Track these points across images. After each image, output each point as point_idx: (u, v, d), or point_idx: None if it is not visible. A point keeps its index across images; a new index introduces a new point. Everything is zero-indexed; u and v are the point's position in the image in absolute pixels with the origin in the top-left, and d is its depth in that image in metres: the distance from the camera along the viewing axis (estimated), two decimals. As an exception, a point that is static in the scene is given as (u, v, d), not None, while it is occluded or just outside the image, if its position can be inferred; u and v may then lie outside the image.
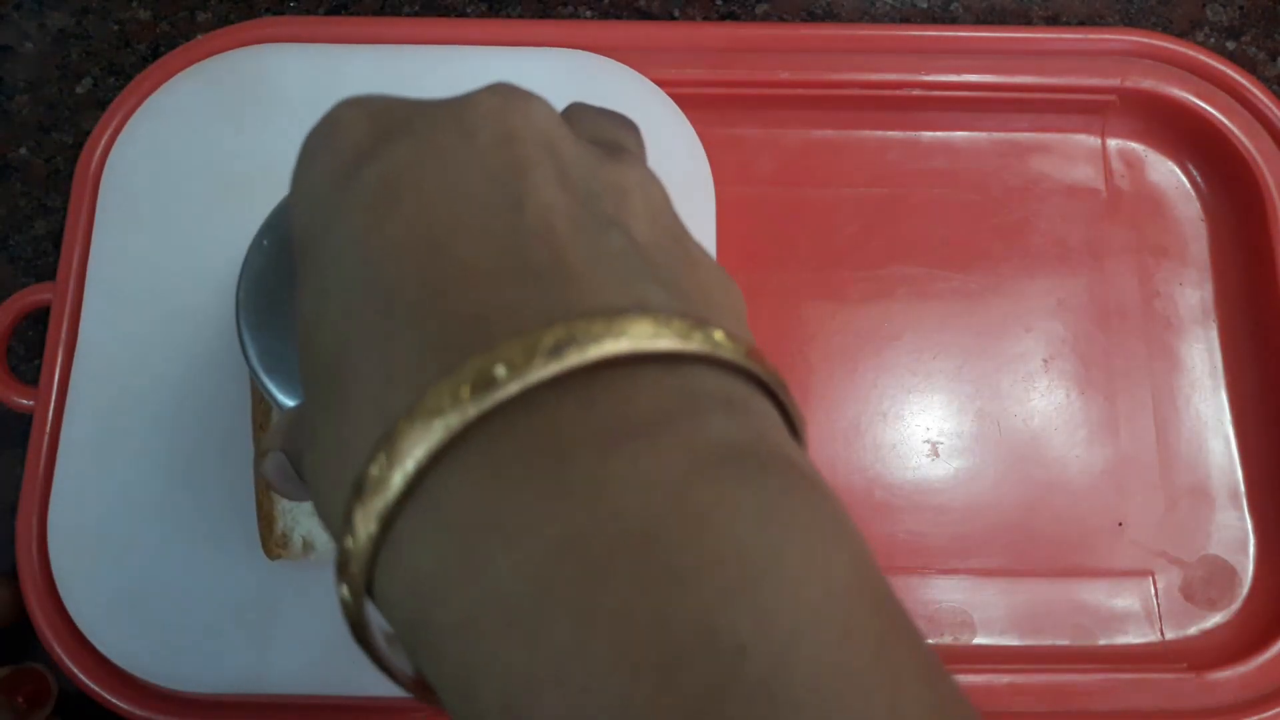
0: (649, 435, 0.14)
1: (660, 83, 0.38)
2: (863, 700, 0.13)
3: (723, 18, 0.43)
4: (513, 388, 0.14)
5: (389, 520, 0.15)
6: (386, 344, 0.16)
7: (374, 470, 0.14)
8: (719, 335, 0.16)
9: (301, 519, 0.32)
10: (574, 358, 0.14)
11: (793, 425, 0.17)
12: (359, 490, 0.15)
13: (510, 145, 0.17)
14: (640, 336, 0.15)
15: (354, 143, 0.18)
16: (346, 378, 0.16)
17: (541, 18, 0.42)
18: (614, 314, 0.15)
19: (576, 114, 0.22)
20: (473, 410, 0.14)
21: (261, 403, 0.32)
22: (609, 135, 0.21)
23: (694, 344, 0.15)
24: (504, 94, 0.18)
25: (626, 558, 0.13)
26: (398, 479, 0.14)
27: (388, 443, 0.14)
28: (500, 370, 0.14)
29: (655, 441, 0.14)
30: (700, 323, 0.16)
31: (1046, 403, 0.38)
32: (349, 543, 0.15)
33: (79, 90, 0.42)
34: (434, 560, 0.14)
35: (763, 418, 0.16)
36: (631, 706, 0.13)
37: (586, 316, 0.15)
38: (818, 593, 0.13)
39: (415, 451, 0.14)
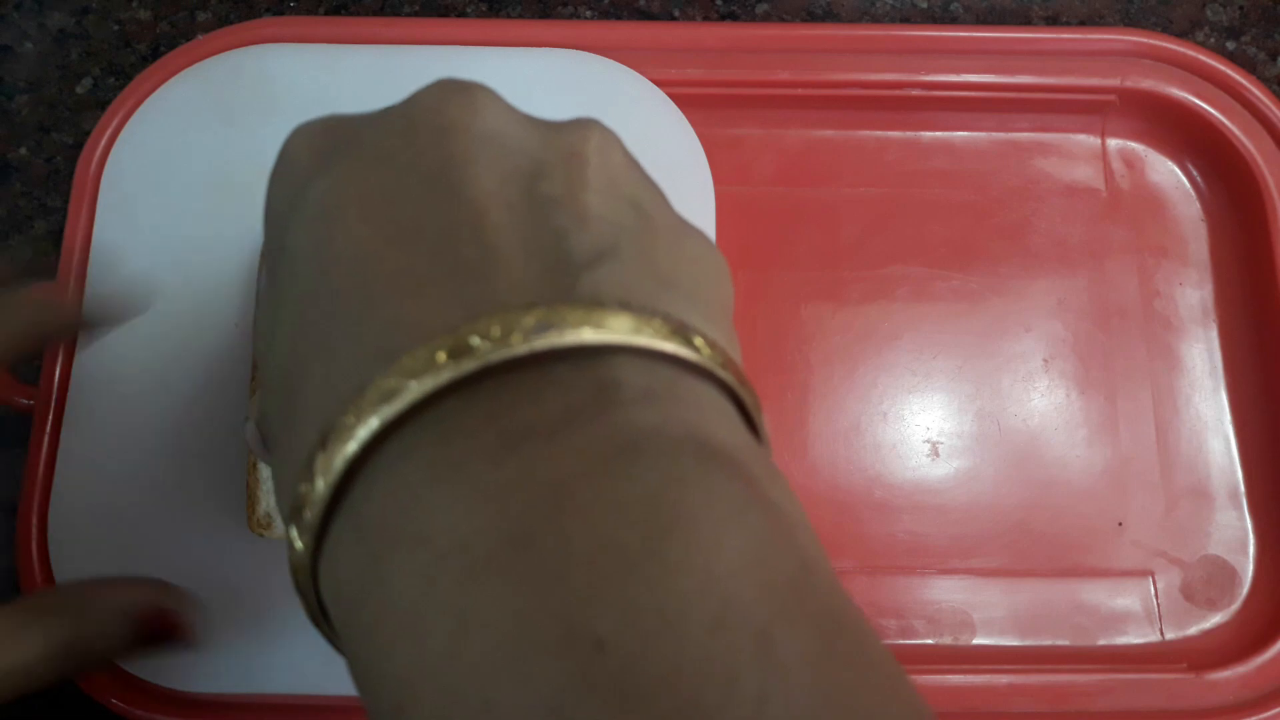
0: (546, 436, 0.14)
1: (660, 83, 0.38)
2: (722, 692, 0.12)
3: (723, 18, 0.43)
4: (409, 397, 0.14)
5: (321, 532, 0.15)
6: (329, 357, 0.16)
7: (303, 488, 0.15)
8: (626, 319, 0.15)
9: None
10: (471, 363, 0.14)
11: (742, 404, 0.17)
12: (296, 508, 0.15)
13: (448, 140, 0.17)
14: (551, 332, 0.15)
15: (303, 165, 0.18)
16: (297, 389, 0.16)
17: (541, 18, 0.42)
18: (521, 310, 0.15)
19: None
20: (376, 422, 0.14)
21: (261, 403, 0.33)
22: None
23: (609, 334, 0.15)
24: (444, 88, 0.18)
25: (503, 562, 0.13)
26: (322, 488, 0.15)
27: (322, 449, 0.15)
28: (395, 382, 0.14)
29: (551, 442, 0.14)
30: (621, 307, 0.15)
31: (1046, 403, 0.38)
32: (295, 549, 0.15)
33: (79, 90, 0.42)
34: (352, 570, 0.15)
35: (689, 403, 0.15)
36: (492, 708, 0.13)
37: (489, 314, 0.15)
38: (693, 582, 0.13)
39: (335, 463, 0.15)
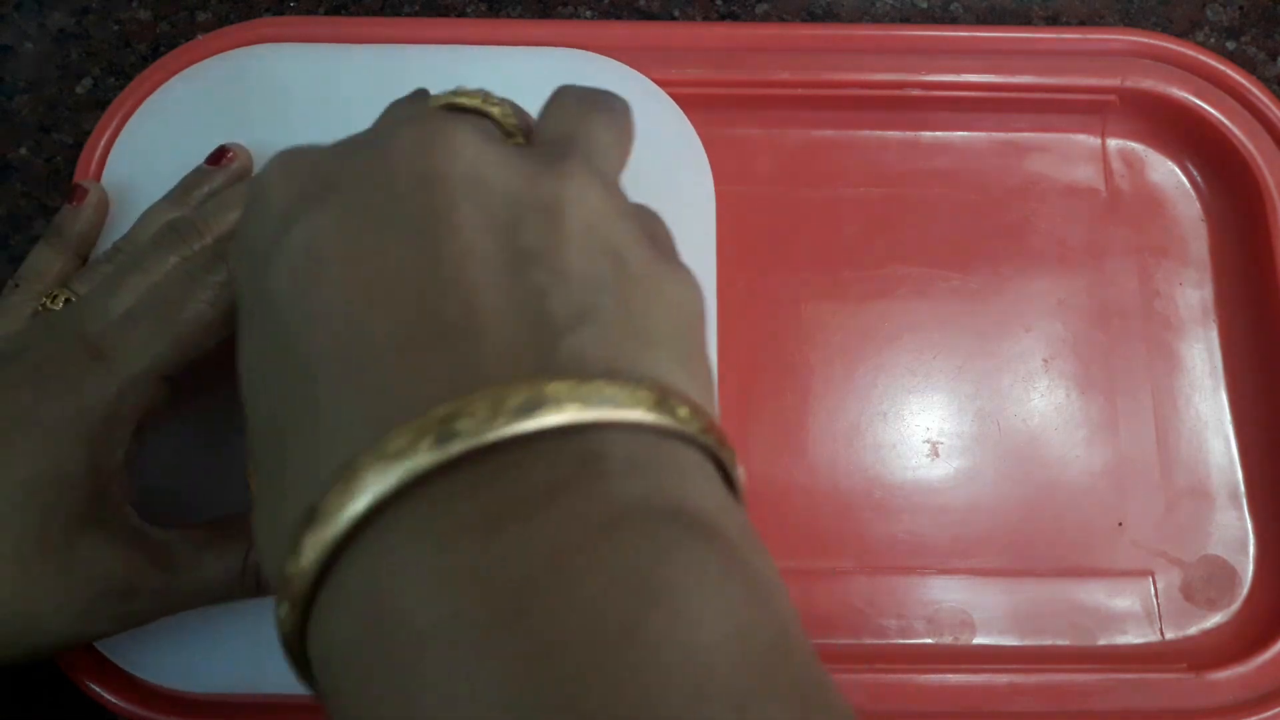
0: (532, 512, 0.14)
1: (660, 83, 0.38)
2: None
3: (723, 18, 0.43)
4: (395, 479, 0.14)
5: (309, 601, 0.15)
6: (315, 423, 0.16)
7: (290, 566, 0.15)
8: (612, 392, 0.15)
9: None
10: (458, 445, 0.15)
11: (722, 464, 0.17)
12: (283, 580, 0.15)
13: (427, 188, 0.17)
14: (537, 413, 0.15)
15: (281, 203, 0.18)
16: (283, 449, 0.17)
17: (541, 18, 0.43)
18: (506, 386, 0.15)
19: (554, 100, 0.22)
20: (362, 505, 0.15)
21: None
22: (568, 128, 0.21)
23: (595, 411, 0.15)
24: (424, 129, 0.18)
25: (495, 637, 0.14)
26: (308, 565, 0.15)
27: (309, 528, 0.15)
28: (381, 464, 0.15)
29: (537, 517, 0.14)
30: (606, 379, 0.15)
31: (1046, 403, 0.38)
32: (282, 617, 0.16)
33: (79, 90, 0.42)
34: (337, 641, 0.15)
35: (671, 470, 0.16)
36: None
37: (474, 391, 0.15)
38: (675, 657, 0.13)
39: (322, 542, 0.15)
